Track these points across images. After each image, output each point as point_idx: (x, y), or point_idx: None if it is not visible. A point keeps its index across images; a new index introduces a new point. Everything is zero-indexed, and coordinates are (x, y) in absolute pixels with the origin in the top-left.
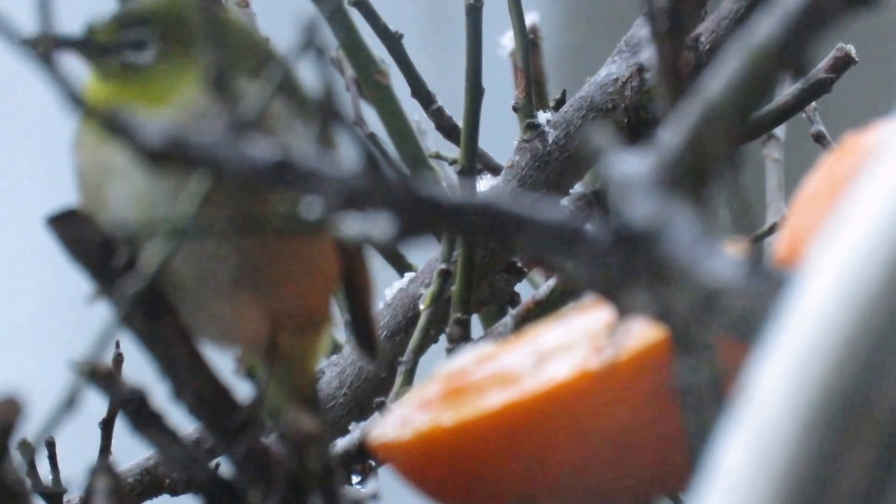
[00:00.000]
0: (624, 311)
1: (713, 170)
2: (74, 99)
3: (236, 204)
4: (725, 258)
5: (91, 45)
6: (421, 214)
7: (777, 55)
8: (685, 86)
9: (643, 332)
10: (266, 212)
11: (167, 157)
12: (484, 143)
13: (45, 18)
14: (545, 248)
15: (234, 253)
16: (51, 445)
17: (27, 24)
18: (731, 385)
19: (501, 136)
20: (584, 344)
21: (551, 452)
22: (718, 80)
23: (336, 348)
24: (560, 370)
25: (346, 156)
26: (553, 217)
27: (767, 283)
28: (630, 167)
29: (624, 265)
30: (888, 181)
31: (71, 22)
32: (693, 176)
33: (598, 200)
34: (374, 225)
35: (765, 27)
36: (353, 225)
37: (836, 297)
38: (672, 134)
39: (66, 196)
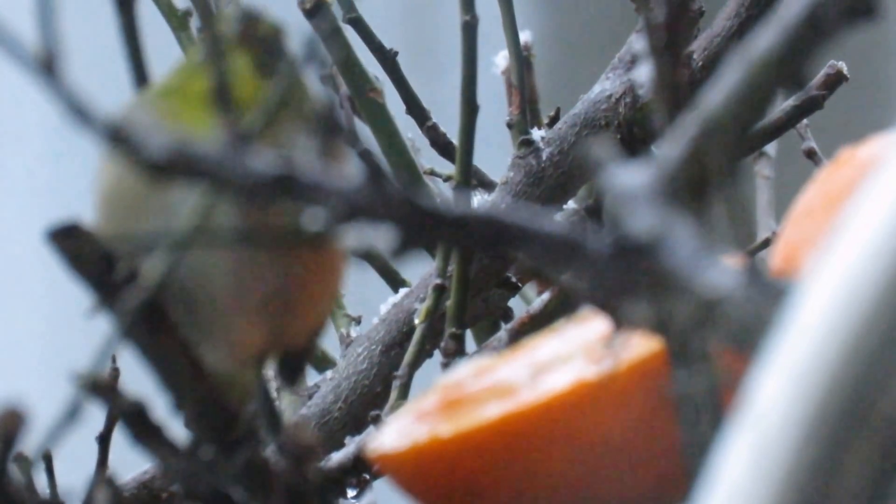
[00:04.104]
0: (622, 322)
1: (712, 182)
2: (78, 112)
3: (240, 216)
4: (725, 269)
5: (256, 38)
6: (423, 226)
7: (776, 68)
8: (682, 100)
9: (640, 344)
10: (269, 224)
11: (171, 169)
12: (477, 161)
13: (47, 29)
14: (545, 260)
15: (269, 274)
16: (48, 459)
17: (28, 34)
18: (731, 396)
19: (495, 153)
20: (581, 355)
21: (548, 463)
22: (718, 92)
23: (330, 363)
24: (557, 382)
25: (350, 168)
26: (553, 228)
27: (767, 294)
28: (630, 179)
29: (623, 276)
30: (888, 191)
31: (71, 30)
32: (692, 188)
33: (591, 216)
34: (376, 237)
35: (764, 40)
36: (355, 237)
37: (836, 306)
38: (671, 146)
39: (66, 209)
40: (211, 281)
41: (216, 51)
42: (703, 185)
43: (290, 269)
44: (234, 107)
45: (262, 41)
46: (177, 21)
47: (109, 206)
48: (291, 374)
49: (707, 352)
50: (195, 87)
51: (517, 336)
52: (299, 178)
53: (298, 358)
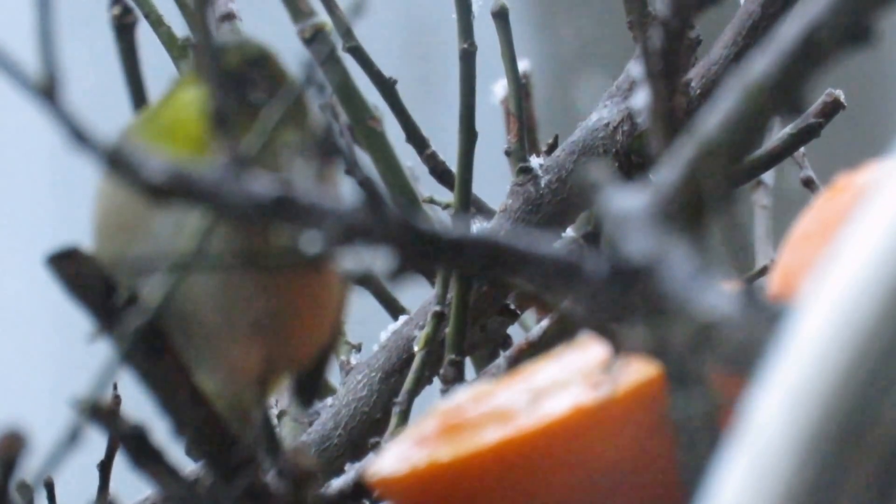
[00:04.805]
0: (619, 346)
1: (709, 205)
2: (77, 136)
3: (238, 239)
4: (722, 292)
5: (222, 71)
6: (420, 249)
7: (772, 93)
8: (678, 126)
9: (638, 368)
10: (267, 247)
11: (169, 192)
12: (476, 189)
13: (48, 54)
14: (543, 283)
15: (255, 302)
16: (49, 486)
17: (30, 60)
18: (728, 418)
19: (493, 181)
20: (579, 381)
21: (547, 488)
22: (714, 116)
23: (330, 390)
24: (555, 406)
25: (347, 191)
26: (551, 252)
27: (764, 316)
28: (626, 202)
29: (621, 299)
30: (883, 214)
31: (71, 56)
32: (689, 211)
33: (590, 243)
34: (374, 260)
35: (760, 65)
36: (353, 260)
37: (833, 328)
38: (668, 169)
39: (67, 234)
40: (199, 306)
41: (214, 78)
42: (700, 209)
43: (280, 293)
44: (232, 132)
45: (229, 74)
46: (177, 50)
47: (105, 229)
48: (306, 394)
49: (704, 375)
50: (166, 118)
51: (516, 363)
52: (297, 201)
53: (312, 379)
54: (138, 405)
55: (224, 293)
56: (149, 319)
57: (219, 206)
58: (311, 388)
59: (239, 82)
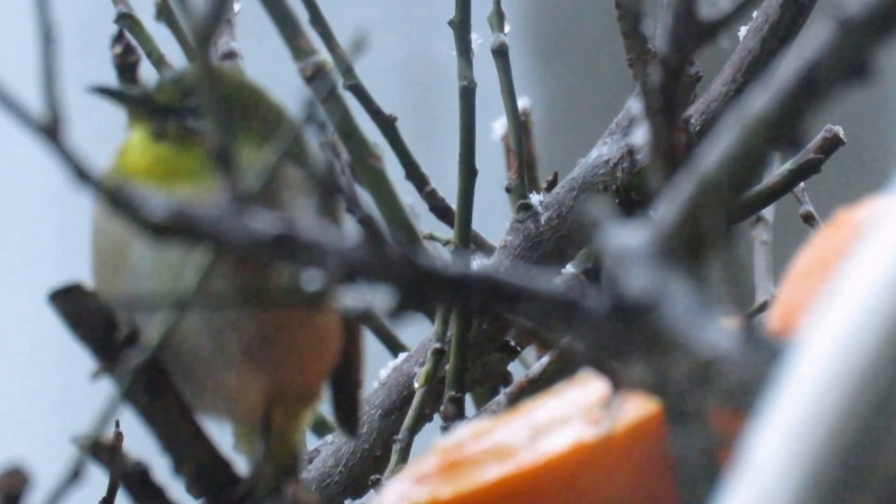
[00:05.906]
0: (620, 383)
1: (708, 241)
2: (80, 174)
3: (239, 276)
4: (722, 329)
5: (151, 104)
6: (420, 286)
7: (771, 129)
8: (678, 162)
9: (638, 405)
10: (268, 284)
11: (171, 230)
12: (476, 225)
13: (50, 92)
14: (543, 319)
15: (243, 327)
16: None
17: (33, 99)
18: (728, 455)
19: (493, 217)
20: (579, 417)
21: None
22: (713, 152)
23: (330, 427)
24: (555, 443)
25: (348, 228)
26: (551, 288)
27: (764, 353)
28: (627, 239)
29: (621, 336)
30: (883, 249)
31: (74, 96)
32: (689, 248)
33: (590, 279)
34: (374, 297)
35: (759, 101)
36: (354, 297)
37: (833, 365)
38: (668, 206)
39: (67, 271)
40: (186, 340)
41: (216, 114)
42: (700, 245)
43: (265, 324)
44: (233, 169)
45: (167, 107)
46: None
47: (95, 263)
48: (349, 425)
49: (704, 411)
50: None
51: (516, 400)
52: (298, 238)
53: (350, 408)
54: (141, 442)
55: (206, 324)
56: (150, 356)
57: (220, 243)
58: (350, 417)
59: (178, 113)
